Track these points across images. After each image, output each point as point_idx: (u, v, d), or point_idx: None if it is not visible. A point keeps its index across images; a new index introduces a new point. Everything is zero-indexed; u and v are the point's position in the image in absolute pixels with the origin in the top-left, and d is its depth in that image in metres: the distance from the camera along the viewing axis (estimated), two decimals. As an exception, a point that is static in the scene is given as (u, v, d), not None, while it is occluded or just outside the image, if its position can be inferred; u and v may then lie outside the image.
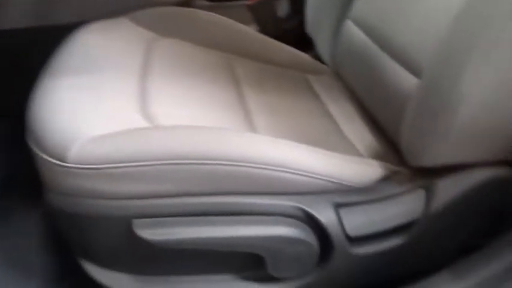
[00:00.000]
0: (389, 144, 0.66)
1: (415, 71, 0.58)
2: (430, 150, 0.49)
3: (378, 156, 0.62)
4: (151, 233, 0.46)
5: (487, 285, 0.47)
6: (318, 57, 0.90)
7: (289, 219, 0.49)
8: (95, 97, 0.53)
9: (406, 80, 0.59)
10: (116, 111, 0.52)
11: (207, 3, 1.01)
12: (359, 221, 0.50)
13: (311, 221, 0.49)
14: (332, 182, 0.50)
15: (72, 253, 0.52)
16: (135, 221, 0.46)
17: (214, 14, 0.84)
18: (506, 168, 0.52)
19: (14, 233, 0.72)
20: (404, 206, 0.51)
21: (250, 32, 0.85)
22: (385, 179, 0.54)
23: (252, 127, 0.60)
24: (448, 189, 0.51)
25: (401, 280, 0.52)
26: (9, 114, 0.83)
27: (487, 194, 0.52)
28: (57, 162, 0.44)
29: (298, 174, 0.49)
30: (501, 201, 0.54)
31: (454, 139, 0.47)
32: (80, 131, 0.46)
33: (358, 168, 0.54)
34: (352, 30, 0.75)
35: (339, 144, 0.64)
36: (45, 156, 0.46)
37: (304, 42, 0.89)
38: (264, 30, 0.92)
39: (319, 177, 0.49)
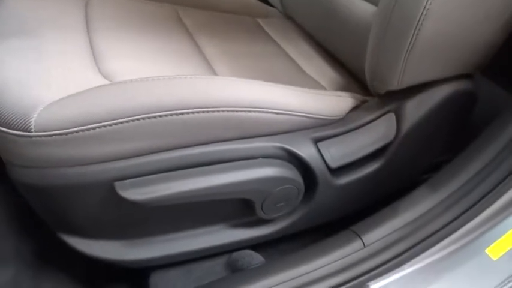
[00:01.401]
0: (352, 77, 0.67)
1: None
2: (396, 73, 0.50)
3: (343, 89, 0.63)
4: (135, 193, 0.43)
5: (459, 194, 0.51)
6: (266, 1, 0.88)
7: (272, 160, 0.49)
8: (44, 60, 0.47)
9: (363, 9, 0.59)
10: (70, 72, 0.47)
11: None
12: (338, 152, 0.51)
13: (293, 159, 0.49)
14: (309, 117, 0.50)
15: (49, 229, 0.48)
16: (117, 184, 0.43)
17: None
18: (466, 81, 0.55)
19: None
20: (377, 132, 0.53)
21: None
22: (357, 109, 0.56)
23: (215, 74, 0.58)
24: (416, 109, 0.53)
25: (381, 201, 0.55)
26: None
27: (452, 108, 0.55)
28: (20, 133, 0.40)
29: (275, 113, 0.48)
30: (464, 114, 0.58)
31: (418, 57, 0.48)
32: (38, 97, 0.41)
33: (331, 101, 0.54)
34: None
35: (304, 82, 0.64)
36: (5, 129, 0.41)
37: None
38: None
39: (296, 113, 0.49)
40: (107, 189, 0.43)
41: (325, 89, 0.63)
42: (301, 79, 0.64)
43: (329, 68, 0.69)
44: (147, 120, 0.42)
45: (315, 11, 0.72)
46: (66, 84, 0.45)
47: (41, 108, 0.40)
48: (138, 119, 0.42)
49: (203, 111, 0.45)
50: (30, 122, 0.40)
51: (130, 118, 0.41)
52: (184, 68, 0.57)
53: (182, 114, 0.44)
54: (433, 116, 0.53)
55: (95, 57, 0.52)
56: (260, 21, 0.82)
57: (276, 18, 0.84)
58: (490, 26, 0.49)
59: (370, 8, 0.58)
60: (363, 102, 0.57)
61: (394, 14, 0.48)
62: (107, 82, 0.47)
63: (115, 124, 0.41)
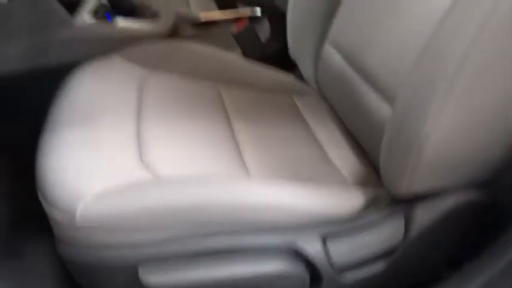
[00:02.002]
0: (372, 167, 0.70)
1: (389, 101, 0.62)
2: (403, 181, 0.53)
3: (361, 181, 0.66)
4: (155, 277, 0.50)
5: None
6: (302, 77, 0.94)
7: (279, 255, 0.53)
8: (95, 151, 0.57)
9: (382, 108, 0.63)
10: (115, 163, 0.56)
11: (193, 31, 1.05)
12: (345, 250, 0.55)
13: (300, 255, 0.53)
14: (318, 215, 0.55)
15: None
16: (141, 268, 0.50)
17: (199, 45, 0.88)
18: (478, 191, 0.56)
19: (27, 270, 0.76)
20: (385, 233, 0.56)
21: (234, 58, 0.89)
22: (368, 206, 0.59)
23: (243, 164, 0.65)
24: (426, 214, 0.55)
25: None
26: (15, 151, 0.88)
27: (462, 216, 0.56)
28: (65, 219, 0.49)
29: (286, 212, 0.53)
30: (475, 222, 0.58)
31: (423, 171, 0.51)
32: (84, 189, 0.50)
33: (343, 197, 0.58)
34: (331, 53, 0.79)
35: (326, 171, 0.68)
36: (54, 211, 0.50)
37: (288, 64, 0.93)
38: (249, 55, 0.95)
39: (306, 213, 0.54)
40: (132, 272, 0.50)
41: (345, 178, 0.67)
42: (324, 168, 0.69)
43: (353, 156, 0.72)
44: (171, 216, 0.50)
45: (343, 97, 0.77)
46: (111, 176, 0.54)
47: (85, 201, 0.49)
48: (163, 216, 0.49)
49: (223, 210, 0.52)
50: (76, 211, 0.48)
51: (157, 215, 0.49)
52: (216, 154, 0.65)
53: (205, 211, 0.51)
54: (443, 223, 0.55)
55: (140, 147, 0.61)
56: (296, 99, 0.88)
57: (311, 97, 0.89)
58: (498, 143, 0.51)
59: (388, 110, 0.62)
60: (376, 198, 0.60)
61: (400, 129, 0.51)
62: (146, 173, 0.56)
63: (143, 219, 0.49)
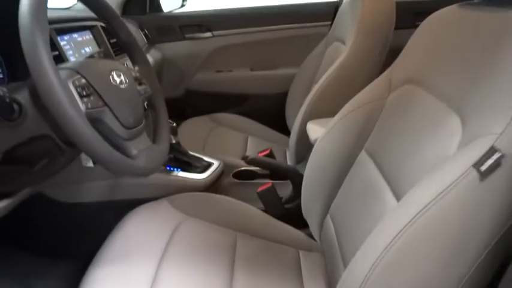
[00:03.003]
0: None
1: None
2: None
3: None
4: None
5: None
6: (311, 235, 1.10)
7: None
8: (114, 285, 0.78)
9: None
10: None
11: (235, 180, 1.31)
12: None
13: None
14: None
15: None
16: None
17: (228, 198, 1.11)
18: None
19: None
20: None
21: (256, 213, 1.09)
22: None
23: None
24: None
25: None
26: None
27: None
28: None
29: None
30: None
31: None
32: None
33: None
34: (329, 224, 0.96)
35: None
36: None
37: (302, 221, 1.10)
38: (269, 209, 1.15)
39: None
40: None
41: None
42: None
43: None
44: None
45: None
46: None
47: None
48: None
49: None
50: None
51: None
52: None
53: None
54: None
55: (153, 286, 0.81)
56: (302, 253, 1.03)
57: (316, 254, 1.04)
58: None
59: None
60: None
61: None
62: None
63: None
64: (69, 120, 0.57)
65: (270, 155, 1.35)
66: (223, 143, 1.61)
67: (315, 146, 1.02)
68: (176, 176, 1.18)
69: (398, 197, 0.72)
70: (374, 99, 0.94)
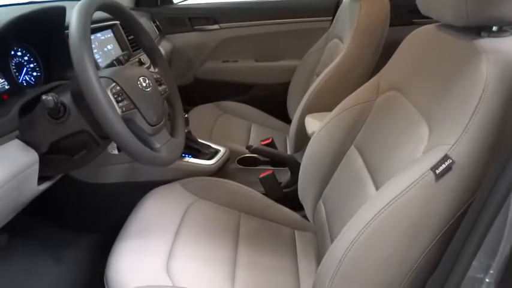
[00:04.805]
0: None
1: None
2: None
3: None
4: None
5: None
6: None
7: None
8: (138, 256, 0.93)
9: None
10: (147, 267, 0.92)
11: (239, 166, 1.45)
12: None
13: None
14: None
15: None
16: None
17: (233, 183, 1.25)
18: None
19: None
20: None
21: (257, 196, 1.24)
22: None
23: (232, 282, 0.96)
24: None
25: None
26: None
27: None
28: None
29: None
30: None
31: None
32: (123, 285, 0.86)
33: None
34: (321, 208, 1.10)
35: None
36: None
37: (298, 204, 1.25)
38: (269, 193, 1.30)
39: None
40: None
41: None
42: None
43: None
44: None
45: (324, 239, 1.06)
46: (142, 277, 0.89)
47: None
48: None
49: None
50: None
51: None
52: (215, 271, 0.96)
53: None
54: None
55: (170, 258, 0.96)
56: (296, 233, 1.18)
57: (310, 233, 1.19)
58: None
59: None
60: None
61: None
62: (168, 281, 0.90)
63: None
64: (110, 123, 0.71)
65: (271, 143, 1.48)
66: (229, 130, 1.74)
67: (311, 139, 1.15)
68: (187, 161, 1.32)
69: (377, 188, 0.86)
70: (364, 100, 1.07)
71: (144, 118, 0.83)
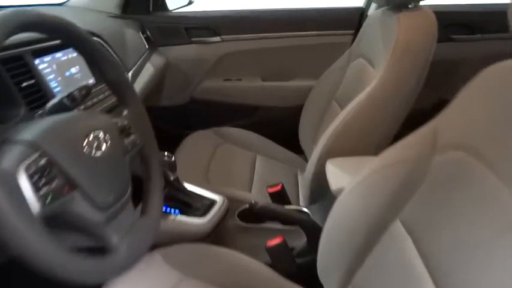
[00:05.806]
0: None
1: None
2: None
3: None
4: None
5: None
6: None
7: None
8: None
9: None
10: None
11: (241, 223, 1.16)
12: None
13: None
14: None
15: None
16: None
17: (231, 252, 0.96)
18: None
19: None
20: None
21: (261, 269, 0.94)
22: None
23: None
24: None
25: None
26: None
27: None
28: None
29: None
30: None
31: None
32: None
33: None
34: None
35: None
36: None
37: (316, 282, 0.95)
38: (277, 268, 1.00)
39: None
40: None
41: None
42: None
43: None
44: None
45: None
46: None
47: None
48: None
49: None
50: None
51: None
52: None
53: None
54: None
55: None
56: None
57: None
58: None
59: None
60: None
61: None
62: None
63: None
64: (15, 234, 0.41)
65: (281, 191, 1.20)
66: (230, 167, 1.47)
67: (338, 199, 0.86)
68: (173, 220, 1.03)
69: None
70: (415, 156, 0.78)
71: (91, 201, 0.54)
